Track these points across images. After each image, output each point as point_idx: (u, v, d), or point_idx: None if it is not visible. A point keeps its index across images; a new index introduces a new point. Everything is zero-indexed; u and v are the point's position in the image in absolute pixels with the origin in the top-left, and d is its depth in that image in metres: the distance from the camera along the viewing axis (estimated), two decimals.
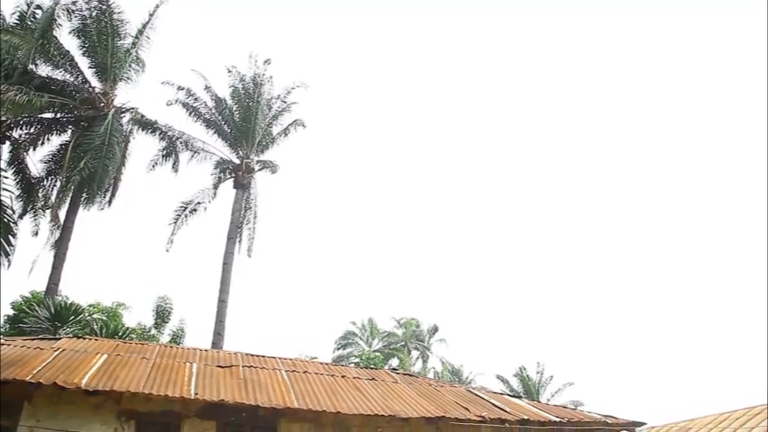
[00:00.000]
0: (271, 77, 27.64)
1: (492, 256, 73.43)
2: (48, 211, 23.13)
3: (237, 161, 26.91)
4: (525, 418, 11.37)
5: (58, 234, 22.56)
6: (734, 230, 66.12)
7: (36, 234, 23.08)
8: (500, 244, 74.51)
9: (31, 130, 22.30)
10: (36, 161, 22.78)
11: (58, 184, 22.29)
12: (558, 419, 11.64)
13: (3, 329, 19.81)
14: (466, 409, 11.54)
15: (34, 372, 9.89)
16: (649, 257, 69.43)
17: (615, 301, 69.92)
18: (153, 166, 25.33)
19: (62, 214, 22.75)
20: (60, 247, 21.91)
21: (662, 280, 68.70)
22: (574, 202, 73.51)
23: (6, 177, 15.79)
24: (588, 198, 73.43)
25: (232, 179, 26.93)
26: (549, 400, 31.90)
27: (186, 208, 26.10)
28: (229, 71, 27.32)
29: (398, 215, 77.47)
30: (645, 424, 12.85)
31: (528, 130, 74.66)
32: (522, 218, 75.17)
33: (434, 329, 44.17)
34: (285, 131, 28.01)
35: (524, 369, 36.96)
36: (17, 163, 21.92)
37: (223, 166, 26.88)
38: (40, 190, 22.88)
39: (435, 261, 73.07)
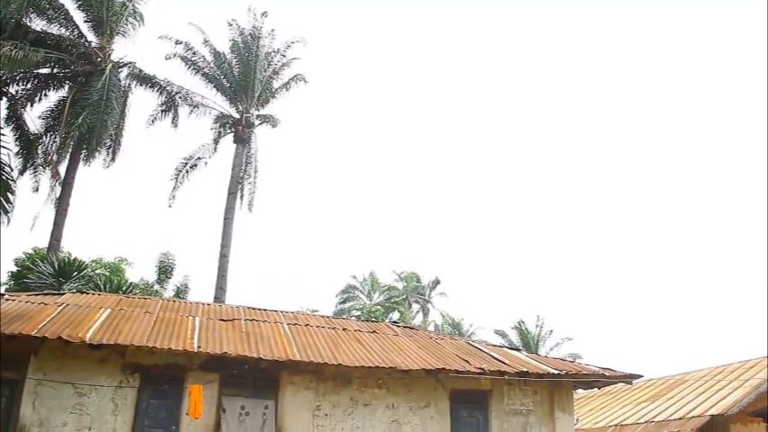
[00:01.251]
0: (272, 31, 27.29)
1: (493, 210, 73.57)
2: (48, 168, 23.09)
3: (237, 116, 26.76)
4: (524, 370, 11.54)
5: (58, 190, 22.55)
6: (733, 185, 66.06)
7: (37, 191, 23.10)
8: (502, 197, 74.54)
9: (28, 86, 22.07)
10: (34, 117, 22.64)
11: (58, 140, 22.17)
12: (556, 372, 11.82)
13: (7, 286, 19.97)
14: (466, 361, 11.70)
15: (39, 326, 10.00)
16: (650, 211, 69.52)
17: (614, 254, 70.24)
18: (152, 121, 25.19)
19: (62, 170, 22.71)
20: (61, 204, 21.93)
21: (662, 233, 68.92)
22: (576, 157, 73.29)
23: (4, 135, 15.73)
24: (590, 155, 73.16)
25: (232, 134, 26.81)
26: (547, 353, 32.24)
27: (187, 163, 26.05)
28: (229, 24, 26.96)
29: (400, 169, 77.26)
30: (641, 376, 13.05)
31: (543, 88, 73.94)
32: (524, 170, 74.99)
33: (435, 283, 44.46)
34: (286, 86, 27.77)
35: (523, 323, 37.24)
36: (15, 119, 21.75)
37: (223, 121, 26.75)
38: (40, 146, 22.75)
39: (437, 214, 73.22)
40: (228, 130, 26.79)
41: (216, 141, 26.74)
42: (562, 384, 12.03)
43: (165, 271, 24.29)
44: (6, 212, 15.19)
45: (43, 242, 21.86)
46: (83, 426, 9.84)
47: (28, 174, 22.58)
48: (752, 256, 61.19)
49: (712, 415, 16.71)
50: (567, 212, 71.48)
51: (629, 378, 12.78)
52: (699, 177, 67.48)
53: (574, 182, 71.12)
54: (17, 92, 22.00)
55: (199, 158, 26.20)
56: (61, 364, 10.00)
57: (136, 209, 63.03)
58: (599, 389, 15.70)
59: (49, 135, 22.62)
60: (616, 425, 19.33)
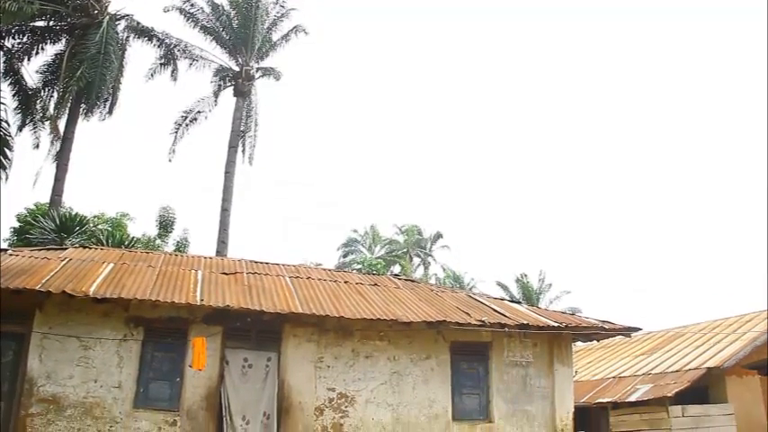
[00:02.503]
0: None
1: (496, 163, 73.36)
2: (47, 123, 22.95)
3: (237, 68, 26.52)
4: (524, 322, 11.63)
5: (58, 146, 22.46)
6: (733, 138, 65.69)
7: (37, 146, 23.00)
8: (504, 149, 74.23)
9: (24, 40, 21.74)
10: (32, 72, 22.39)
11: (56, 94, 21.97)
12: (556, 324, 11.90)
13: (10, 241, 20.04)
14: (466, 313, 11.79)
15: (43, 281, 10.06)
16: (652, 162, 69.29)
17: (615, 207, 70.29)
18: (151, 75, 24.94)
19: (61, 125, 22.58)
20: (62, 159, 21.86)
21: (663, 188, 68.82)
22: (579, 110, 72.76)
23: (1, 90, 15.59)
24: (592, 109, 72.59)
25: (232, 87, 26.61)
26: (547, 306, 32.50)
27: (187, 117, 25.92)
28: None
29: (402, 122, 76.82)
30: (640, 330, 13.15)
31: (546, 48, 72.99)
32: (526, 122, 74.54)
33: (436, 237, 44.56)
34: (285, 37, 27.41)
35: (525, 276, 37.44)
36: (12, 74, 21.51)
37: (222, 74, 26.51)
38: (38, 101, 22.54)
39: (438, 167, 73.05)
40: (228, 84, 26.59)
41: (216, 95, 26.57)
42: (561, 337, 12.14)
43: (165, 225, 24.35)
44: (5, 168, 15.15)
45: (45, 198, 21.88)
46: (89, 378, 9.98)
47: (27, 130, 22.44)
48: (752, 210, 61.20)
49: (709, 367, 16.93)
50: (570, 164, 71.31)
51: (627, 331, 12.88)
52: (699, 130, 67.09)
53: (576, 134, 70.79)
54: (13, 45, 21.71)
55: (199, 112, 26.06)
56: (66, 318, 10.10)
57: (136, 164, 62.97)
58: (598, 341, 15.88)
59: (47, 90, 22.39)
60: (614, 377, 19.60)
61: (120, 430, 9.82)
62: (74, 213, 20.16)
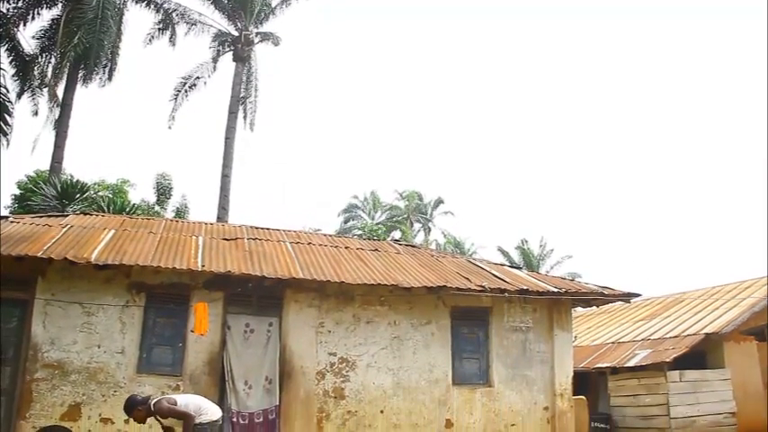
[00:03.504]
0: None
1: (496, 128, 73.03)
2: (45, 90, 22.79)
3: (236, 33, 26.25)
4: (525, 288, 11.66)
5: (57, 112, 22.34)
6: (735, 102, 65.25)
7: (36, 113, 22.90)
8: (505, 115, 73.85)
9: (19, 4, 21.44)
10: (28, 37, 22.18)
11: (53, 60, 21.77)
12: (556, 290, 11.94)
13: (11, 209, 20.06)
14: (467, 279, 11.83)
15: (45, 248, 10.08)
16: (653, 128, 68.97)
17: (616, 173, 70.16)
18: (150, 40, 24.71)
19: (60, 92, 22.43)
20: (61, 126, 21.78)
21: (665, 153, 68.59)
22: (580, 75, 72.19)
23: None
24: (594, 74, 72.00)
25: (231, 52, 26.38)
26: (548, 272, 32.61)
27: (186, 83, 25.75)
28: None
29: (402, 87, 76.32)
30: (640, 295, 13.19)
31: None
32: (528, 87, 74.05)
33: (437, 202, 44.55)
34: (285, 2, 27.08)
35: (525, 242, 37.56)
36: (9, 40, 21.28)
37: (221, 39, 26.26)
38: (36, 68, 22.37)
39: (439, 133, 72.80)
40: (227, 49, 26.36)
41: (215, 60, 26.35)
42: (561, 302, 12.18)
43: (162, 192, 24.35)
44: (5, 135, 15.10)
45: (45, 165, 21.85)
46: (92, 344, 10.06)
47: (26, 97, 22.30)
48: (753, 177, 61.08)
49: (707, 333, 17.08)
50: (571, 129, 70.98)
51: (627, 297, 12.93)
52: (701, 95, 66.65)
53: (578, 99, 70.35)
54: (8, 10, 21.44)
55: (198, 78, 25.90)
56: (68, 284, 10.14)
57: (136, 130, 62.72)
58: (597, 307, 15.92)
59: (44, 56, 22.17)
60: (613, 342, 19.77)
61: (125, 394, 9.84)
62: (74, 180, 20.15)
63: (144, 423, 7.73)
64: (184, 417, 7.52)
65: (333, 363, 10.93)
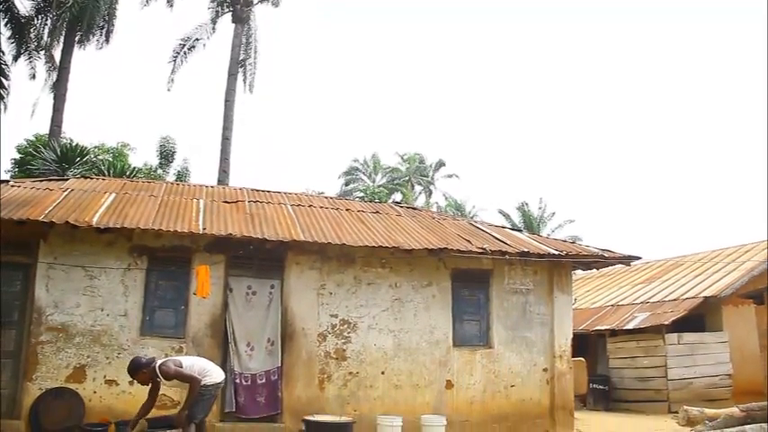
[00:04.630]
0: None
1: (498, 90, 72.53)
2: (42, 52, 22.60)
3: None
4: (525, 250, 11.67)
5: (55, 76, 22.19)
6: (735, 65, 64.68)
7: (33, 77, 22.74)
8: (507, 77, 73.28)
9: None
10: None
11: (49, 22, 21.54)
12: (556, 252, 11.96)
13: (11, 173, 20.03)
14: (468, 241, 11.84)
15: (46, 212, 10.06)
16: (655, 90, 68.48)
17: (618, 137, 69.86)
18: (146, 2, 24.41)
19: (57, 55, 22.24)
20: (59, 89, 21.64)
21: (666, 115, 68.22)
22: (582, 37, 71.40)
23: None
24: (595, 36, 71.19)
25: (230, 13, 26.05)
26: (549, 234, 32.61)
27: (185, 45, 25.49)
28: None
29: (404, 49, 75.56)
30: (640, 258, 13.21)
31: None
32: (529, 48, 73.33)
33: (439, 165, 44.42)
34: None
35: (526, 204, 37.51)
36: (3, 1, 21.02)
37: (220, 0, 25.94)
38: (32, 30, 22.13)
39: (440, 95, 72.32)
40: (226, 10, 26.03)
41: (214, 21, 26.04)
42: (562, 265, 12.22)
43: (165, 155, 24.28)
44: (2, 98, 15.00)
45: (44, 129, 21.77)
46: (95, 307, 10.12)
47: (23, 60, 22.10)
48: (754, 141, 60.81)
49: (706, 296, 17.20)
50: (572, 91, 70.49)
51: (627, 260, 12.94)
52: (702, 55, 66.04)
53: (579, 61, 69.71)
54: None
55: (197, 40, 25.63)
56: (70, 248, 10.16)
57: (136, 94, 62.32)
58: (597, 270, 16.01)
59: (40, 17, 21.92)
60: (613, 305, 19.93)
61: (128, 356, 9.90)
62: (74, 144, 20.10)
63: (148, 385, 7.79)
64: (190, 380, 7.60)
65: (334, 324, 11.01)
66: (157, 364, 7.65)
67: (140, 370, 7.62)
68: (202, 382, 7.64)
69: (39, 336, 9.86)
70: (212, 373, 7.90)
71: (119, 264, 10.31)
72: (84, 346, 9.98)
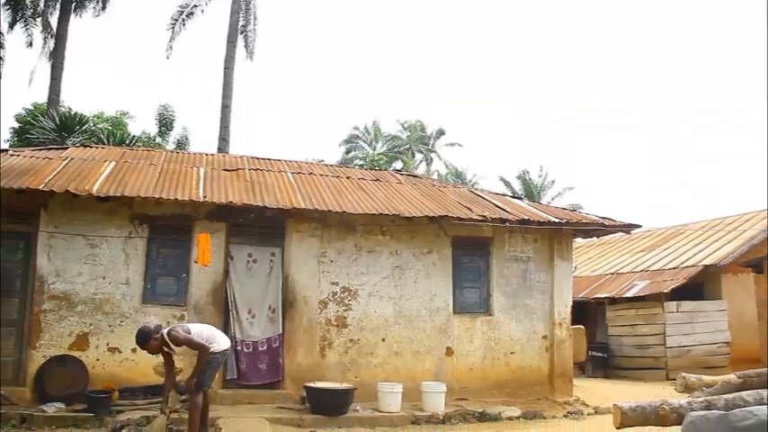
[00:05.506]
0: None
1: (499, 58, 71.95)
2: (38, 20, 22.37)
3: None
4: (525, 218, 11.66)
5: (52, 44, 21.99)
6: (735, 30, 64.03)
7: (30, 45, 22.56)
8: (508, 44, 72.63)
9: None
10: None
11: None
12: (557, 220, 11.95)
13: (10, 142, 19.96)
14: (468, 208, 11.83)
15: (46, 180, 10.04)
16: (656, 57, 67.93)
17: (619, 104, 69.45)
18: None
19: (54, 22, 22.01)
20: (56, 57, 21.46)
21: (668, 86, 67.75)
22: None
23: None
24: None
25: None
26: (549, 202, 32.59)
27: (183, 11, 25.16)
28: None
29: (405, 16, 74.81)
30: (640, 227, 13.18)
31: None
32: (530, 14, 72.58)
33: (439, 133, 44.22)
34: None
35: (527, 172, 37.40)
36: None
37: None
38: None
39: (440, 62, 71.77)
40: None
41: None
42: (562, 233, 12.22)
43: (164, 124, 24.17)
44: None
45: (42, 98, 21.64)
46: (97, 275, 10.15)
47: (19, 27, 21.90)
48: (755, 110, 60.45)
49: (705, 265, 17.26)
50: (574, 57, 69.95)
51: (627, 228, 12.93)
52: (707, 16, 65.38)
53: (580, 26, 69.07)
54: None
55: (195, 6, 25.31)
56: (71, 216, 10.16)
57: (134, 62, 61.83)
58: (598, 238, 16.01)
59: None
60: (613, 273, 20.01)
61: (131, 324, 10.06)
62: (73, 113, 20.00)
63: (157, 353, 7.81)
64: (200, 347, 7.65)
65: (335, 292, 11.05)
66: (165, 331, 7.69)
67: (150, 338, 7.63)
68: (210, 350, 7.71)
69: (41, 304, 9.91)
70: (219, 341, 7.96)
71: (120, 232, 10.32)
72: (87, 315, 10.03)
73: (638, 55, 69.94)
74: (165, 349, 7.74)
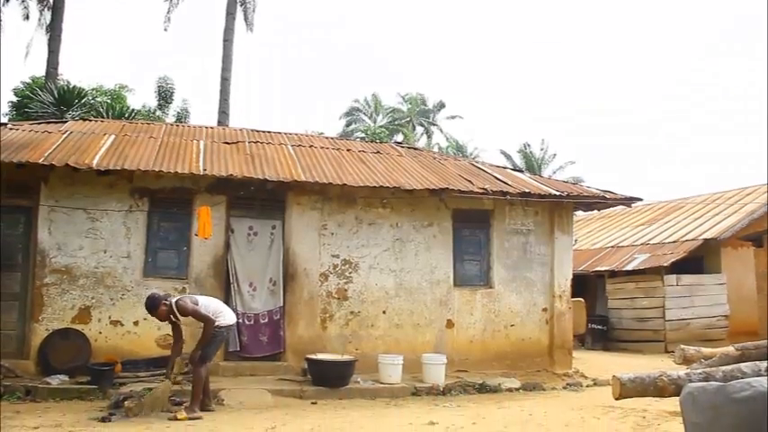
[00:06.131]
0: None
1: (501, 31, 71.37)
2: None
3: None
4: (526, 190, 11.63)
5: (48, 16, 21.79)
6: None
7: (27, 18, 22.37)
8: (510, 17, 71.99)
9: None
10: None
11: None
12: (558, 193, 11.93)
13: (9, 116, 19.87)
14: (469, 181, 11.80)
15: (46, 154, 10.01)
16: (658, 30, 67.36)
17: (620, 78, 69.05)
18: None
19: None
20: (54, 30, 21.27)
21: (670, 59, 67.26)
22: None
23: None
24: None
25: None
26: (550, 176, 32.58)
27: None
28: None
29: None
30: (641, 200, 13.17)
31: None
32: None
33: (440, 106, 44.02)
34: None
35: (528, 145, 37.37)
36: None
37: None
38: None
39: (441, 35, 71.21)
40: None
41: None
42: (563, 206, 12.20)
43: (164, 96, 24.04)
44: None
45: (40, 71, 21.50)
46: (98, 249, 10.17)
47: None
48: (758, 82, 60.10)
49: (706, 239, 17.28)
50: (576, 30, 69.43)
51: (628, 201, 12.90)
52: None
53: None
54: None
55: None
56: (71, 190, 10.15)
57: (132, 35, 61.37)
58: (598, 211, 16.04)
59: None
60: (613, 246, 20.05)
61: (132, 297, 10.12)
62: (71, 86, 19.87)
63: (166, 320, 7.93)
64: (205, 320, 7.75)
65: (336, 264, 11.08)
66: (174, 301, 7.79)
67: (159, 305, 7.77)
68: (216, 323, 7.78)
69: (43, 278, 9.95)
70: (226, 315, 8.04)
71: (120, 206, 10.32)
72: (89, 288, 10.07)
73: (639, 25, 69.40)
74: (173, 318, 7.86)
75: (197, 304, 7.86)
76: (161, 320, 8.05)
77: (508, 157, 36.46)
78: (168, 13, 24.63)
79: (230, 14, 24.70)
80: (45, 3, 21.95)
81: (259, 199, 10.85)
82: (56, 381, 9.07)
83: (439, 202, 11.58)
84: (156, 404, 7.64)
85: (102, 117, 17.47)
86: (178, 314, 7.82)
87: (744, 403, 2.87)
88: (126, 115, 19.73)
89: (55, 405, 8.29)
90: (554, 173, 35.66)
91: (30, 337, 9.80)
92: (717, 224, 17.96)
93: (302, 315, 10.87)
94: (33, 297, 9.91)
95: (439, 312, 11.46)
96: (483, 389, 10.14)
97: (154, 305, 7.81)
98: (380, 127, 39.02)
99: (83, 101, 19.38)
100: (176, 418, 7.39)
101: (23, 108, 19.52)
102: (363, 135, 35.26)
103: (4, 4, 21.51)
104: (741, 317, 16.36)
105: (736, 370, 5.19)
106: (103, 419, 7.34)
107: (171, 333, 8.32)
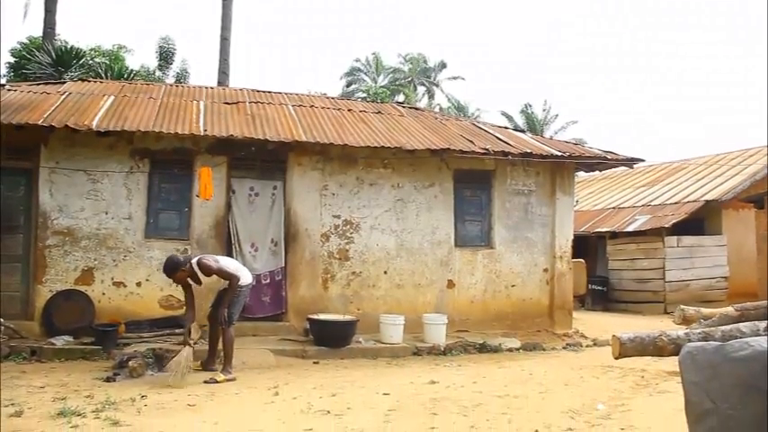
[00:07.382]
0: None
1: None
2: None
3: None
4: (528, 151, 11.58)
5: None
6: None
7: None
8: None
9: None
10: None
11: None
12: (559, 153, 11.87)
13: (6, 77, 19.70)
14: (470, 141, 11.75)
15: (45, 116, 9.94)
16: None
17: (624, 38, 68.27)
18: None
19: None
20: None
21: (672, 21, 66.36)
22: None
23: None
24: None
25: None
26: (552, 136, 32.42)
27: None
28: None
29: None
30: (643, 161, 13.12)
31: None
32: None
33: (442, 66, 43.61)
34: None
35: (530, 106, 37.11)
36: None
37: None
38: None
39: None
40: None
41: None
42: (564, 166, 12.17)
43: (165, 57, 23.81)
44: None
45: (38, 31, 21.24)
46: (99, 210, 10.18)
47: None
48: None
49: (707, 200, 17.28)
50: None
51: (630, 162, 12.84)
52: None
53: None
54: None
55: None
56: (72, 152, 10.12)
57: None
58: (600, 172, 15.98)
59: None
60: (614, 207, 20.05)
61: (134, 258, 10.17)
62: (69, 47, 19.66)
63: (184, 283, 7.87)
64: (230, 277, 7.77)
65: (337, 225, 11.09)
66: (195, 260, 7.76)
67: (178, 269, 7.72)
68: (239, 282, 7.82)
69: (45, 240, 9.98)
70: (244, 275, 8.06)
71: (120, 167, 10.30)
72: (91, 249, 10.11)
73: None
74: (190, 281, 7.83)
75: (217, 262, 7.88)
76: (179, 283, 7.99)
77: (509, 118, 36.23)
78: None
79: None
80: None
81: (260, 159, 10.82)
82: (60, 341, 9.16)
83: (440, 163, 11.54)
84: (179, 368, 7.53)
85: (101, 78, 17.31)
86: (200, 274, 7.77)
87: (742, 362, 2.89)
88: (125, 76, 19.57)
89: (60, 365, 8.39)
90: (556, 133, 35.47)
91: (34, 298, 9.87)
92: (718, 185, 17.94)
93: (304, 275, 10.91)
94: (36, 259, 9.96)
95: (440, 273, 11.51)
96: (483, 349, 10.24)
97: (172, 268, 7.69)
98: (381, 87, 38.72)
99: (81, 62, 19.17)
100: (215, 381, 7.46)
101: (21, 69, 19.33)
102: (364, 95, 35.00)
103: None
104: (741, 278, 16.44)
105: (735, 330, 5.24)
106: (108, 379, 7.43)
107: (173, 294, 8.34)
